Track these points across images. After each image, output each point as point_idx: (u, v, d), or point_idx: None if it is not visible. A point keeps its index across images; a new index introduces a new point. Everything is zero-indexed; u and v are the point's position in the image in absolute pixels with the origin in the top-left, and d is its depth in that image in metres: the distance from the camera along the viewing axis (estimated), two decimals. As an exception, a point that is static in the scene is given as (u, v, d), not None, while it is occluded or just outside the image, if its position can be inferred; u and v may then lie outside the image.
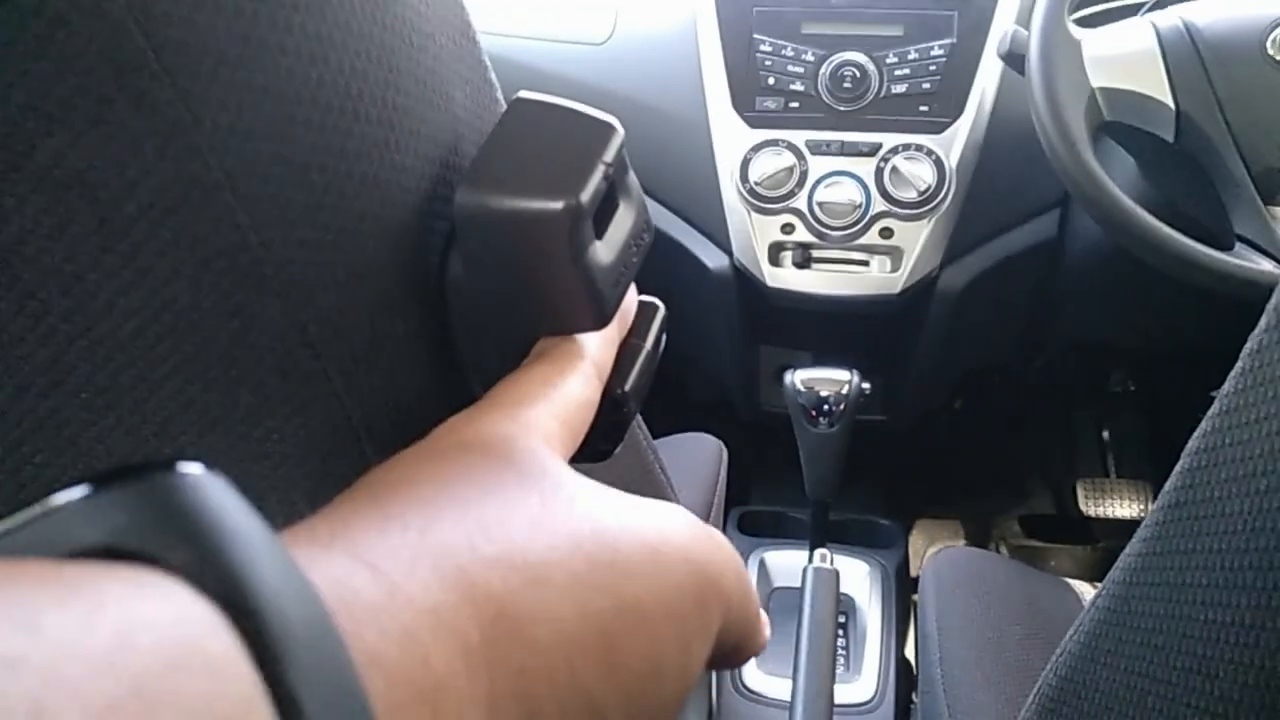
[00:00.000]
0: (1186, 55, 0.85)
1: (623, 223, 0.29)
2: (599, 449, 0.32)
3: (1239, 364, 0.29)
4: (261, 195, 0.21)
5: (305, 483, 0.26)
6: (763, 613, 0.26)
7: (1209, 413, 0.31)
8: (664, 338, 0.34)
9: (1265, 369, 0.28)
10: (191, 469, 0.14)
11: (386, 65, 0.24)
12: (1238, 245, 0.84)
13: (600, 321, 0.28)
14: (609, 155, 0.27)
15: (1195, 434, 0.32)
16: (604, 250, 0.27)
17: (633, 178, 0.30)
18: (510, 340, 0.29)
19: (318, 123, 0.22)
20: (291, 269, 0.22)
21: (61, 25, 0.17)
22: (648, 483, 0.51)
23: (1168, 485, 0.33)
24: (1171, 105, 0.86)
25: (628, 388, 0.31)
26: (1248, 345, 0.29)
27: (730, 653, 0.25)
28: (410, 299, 0.27)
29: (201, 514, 0.13)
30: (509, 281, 0.27)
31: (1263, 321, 0.28)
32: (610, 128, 0.28)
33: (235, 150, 0.20)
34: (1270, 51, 0.84)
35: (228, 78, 0.20)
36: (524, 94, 0.28)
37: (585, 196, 0.25)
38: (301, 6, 0.21)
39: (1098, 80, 0.86)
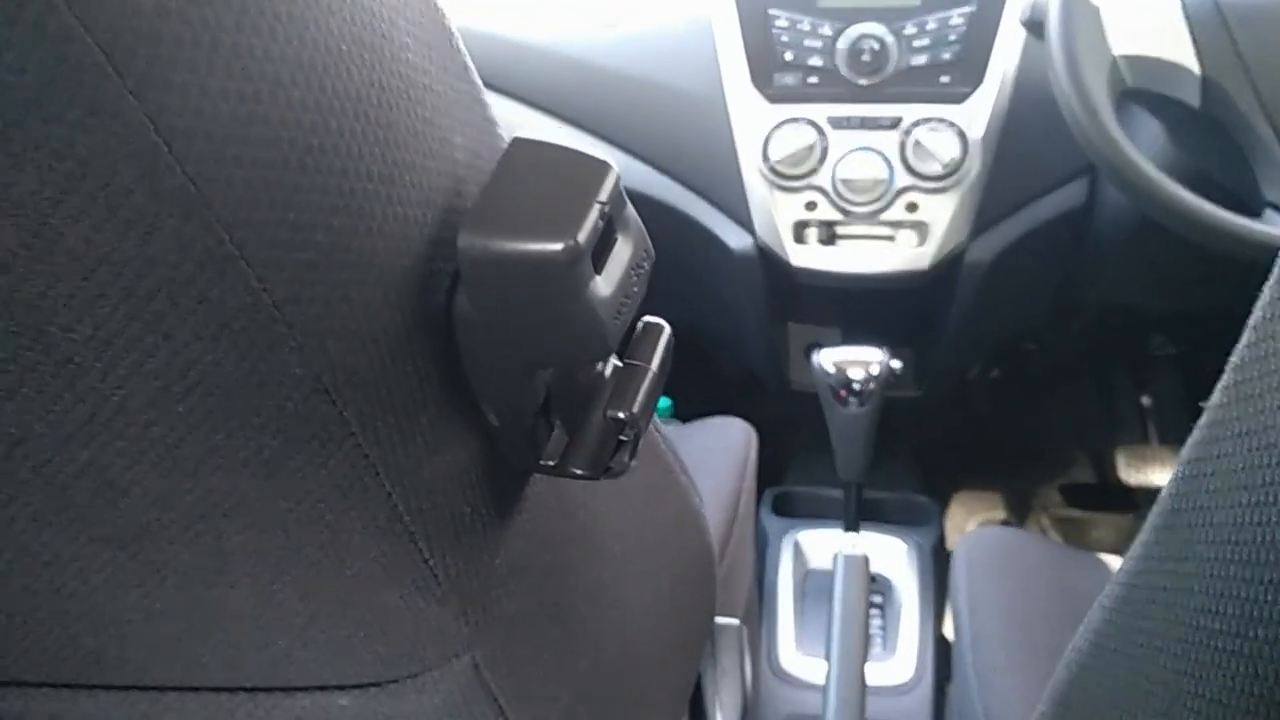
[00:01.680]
0: (1211, 19, 0.84)
1: (621, 255, 0.29)
2: (611, 469, 0.33)
3: (1224, 377, 0.30)
4: (272, 259, 0.23)
5: (328, 515, 0.28)
6: None
7: (1199, 423, 0.31)
8: (670, 357, 0.35)
9: (1248, 384, 0.28)
10: None
11: (385, 123, 0.25)
12: (1267, 211, 0.83)
13: (604, 352, 0.29)
14: (604, 194, 0.28)
15: (1187, 443, 0.32)
16: (604, 284, 0.28)
17: (630, 210, 0.31)
18: (520, 373, 0.31)
19: (320, 186, 0.23)
20: (305, 322, 0.24)
21: (83, 130, 0.19)
22: (668, 485, 0.52)
23: (1164, 491, 0.33)
24: (1197, 70, 0.84)
25: (635, 409, 0.32)
26: (1232, 359, 0.29)
27: None
28: (420, 340, 0.28)
29: None
30: (514, 318, 0.28)
31: (1245, 336, 0.29)
32: (605, 166, 0.29)
33: (244, 221, 0.22)
34: (1298, 11, 0.82)
35: (233, 156, 0.21)
36: (520, 136, 0.29)
37: (582, 236, 0.26)
38: (300, 82, 0.22)
39: (1119, 47, 0.85)
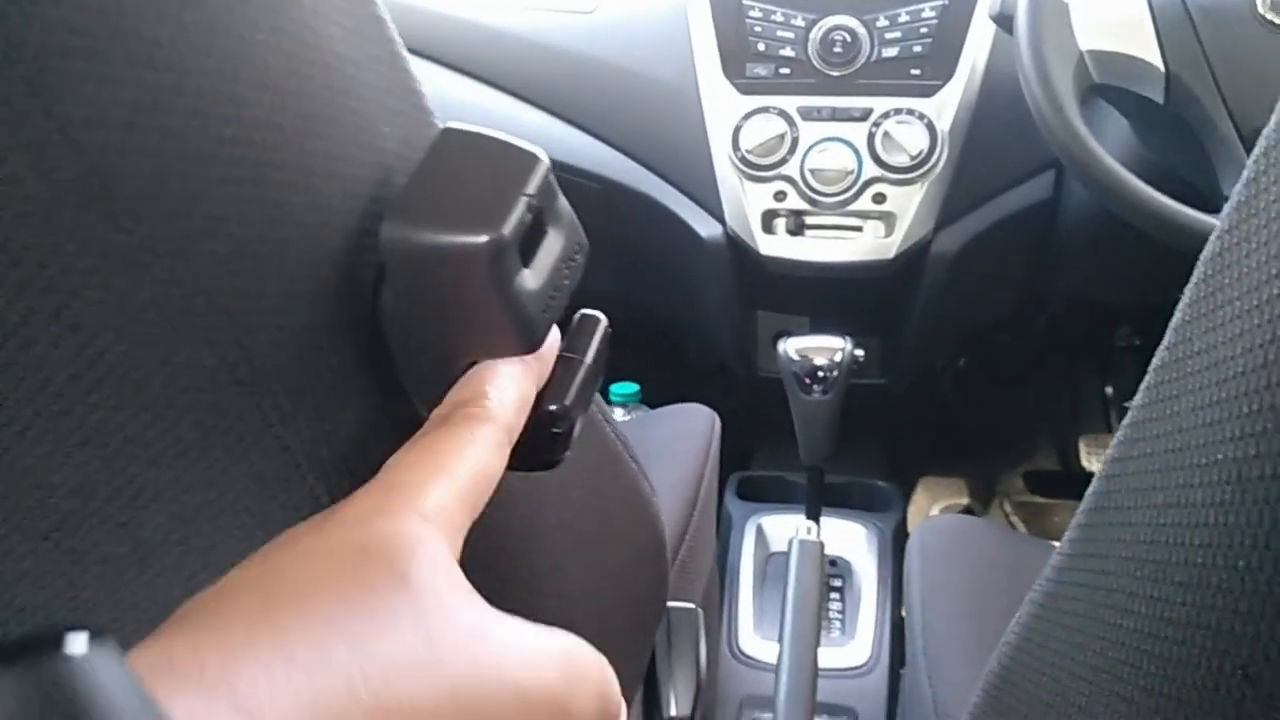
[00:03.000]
0: (1176, 16, 0.84)
1: (551, 248, 0.29)
2: (544, 460, 0.33)
3: (1147, 377, 0.30)
4: (181, 251, 0.22)
5: (254, 506, 0.28)
6: None
7: (1123, 422, 0.32)
8: (606, 350, 0.34)
9: (1166, 385, 0.29)
10: (76, 646, 0.15)
11: (304, 113, 0.25)
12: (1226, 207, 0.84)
13: (530, 345, 0.29)
14: (531, 186, 0.28)
15: (1113, 442, 0.32)
16: (531, 277, 0.28)
17: (563, 202, 0.30)
18: (447, 365, 0.31)
19: (234, 177, 0.23)
20: (218, 315, 0.24)
21: None
22: (615, 474, 0.52)
23: (1090, 489, 0.34)
24: (1161, 67, 0.85)
25: (568, 401, 0.32)
26: (1154, 361, 0.30)
27: None
28: (342, 331, 0.28)
29: (86, 701, 0.14)
30: (439, 311, 0.28)
31: (1165, 338, 0.29)
32: (533, 158, 0.28)
33: (149, 212, 0.21)
34: (1261, 11, 0.83)
35: (136, 147, 0.21)
36: (452, 124, 0.29)
37: (507, 230, 0.26)
38: (210, 71, 0.22)
39: (1086, 43, 0.85)
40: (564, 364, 0.32)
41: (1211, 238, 0.27)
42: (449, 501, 0.25)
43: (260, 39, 0.23)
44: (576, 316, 0.34)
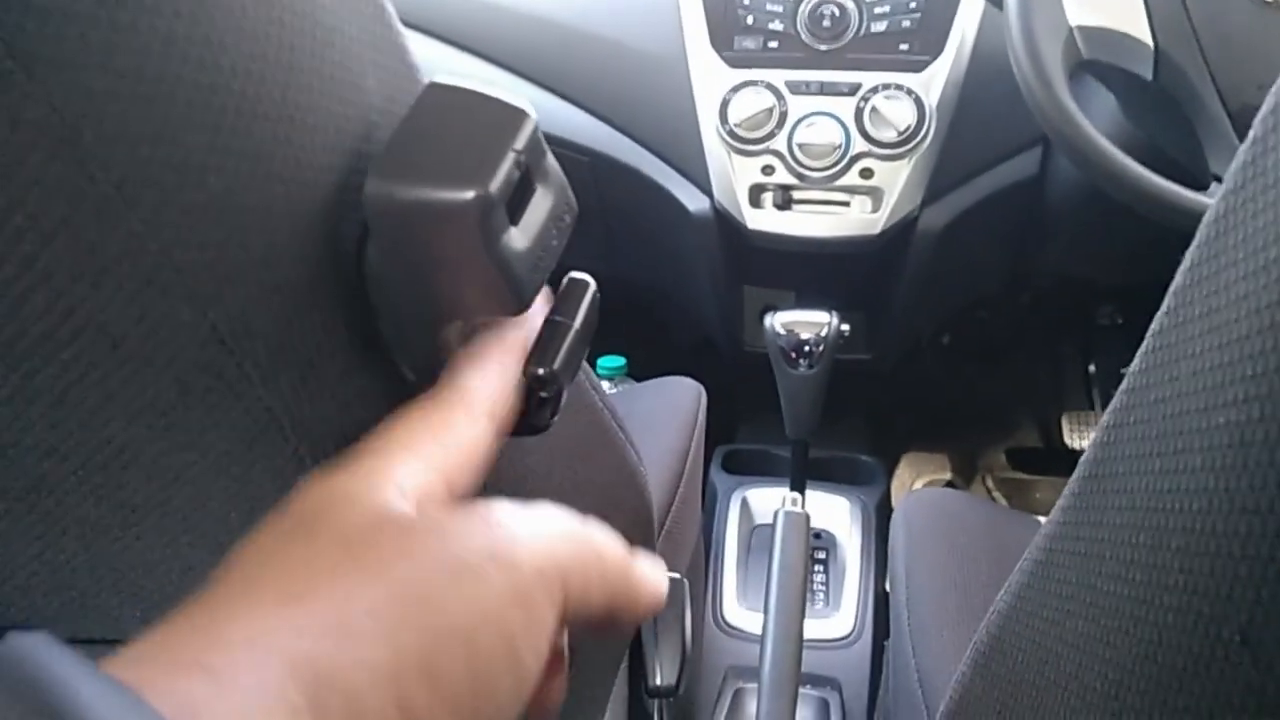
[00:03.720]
0: (1166, -9, 0.84)
1: (540, 207, 0.29)
2: (533, 425, 0.32)
3: (1145, 342, 0.30)
4: (155, 201, 0.22)
5: (234, 468, 0.27)
6: (650, 576, 0.28)
7: (1120, 388, 0.32)
8: (595, 314, 0.34)
9: (1164, 350, 0.28)
10: (18, 646, 0.15)
11: (285, 64, 0.24)
12: (1214, 185, 0.84)
13: (520, 306, 0.29)
14: (520, 142, 0.27)
15: (1108, 408, 0.32)
16: (519, 236, 0.27)
17: (551, 161, 0.30)
18: (433, 325, 0.30)
19: (211, 125, 0.22)
20: (196, 269, 0.23)
21: None
22: (603, 443, 0.52)
23: (1084, 456, 0.34)
24: (1150, 43, 0.85)
25: (555, 366, 0.31)
26: (1152, 326, 0.30)
27: (609, 625, 0.26)
28: (325, 289, 0.27)
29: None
30: (424, 270, 0.27)
31: (1165, 303, 0.29)
32: (522, 114, 0.28)
33: (121, 160, 0.21)
34: (1252, -14, 0.82)
35: (105, 90, 0.20)
36: (439, 79, 0.28)
37: (494, 186, 0.25)
38: (185, 14, 0.21)
39: (1076, 18, 0.85)
40: (552, 328, 0.32)
41: (1215, 199, 0.26)
42: (424, 476, 0.25)
43: None
44: (565, 280, 0.33)
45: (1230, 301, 0.24)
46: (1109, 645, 0.30)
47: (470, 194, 0.25)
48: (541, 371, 0.31)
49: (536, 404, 0.32)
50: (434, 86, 0.28)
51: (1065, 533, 0.34)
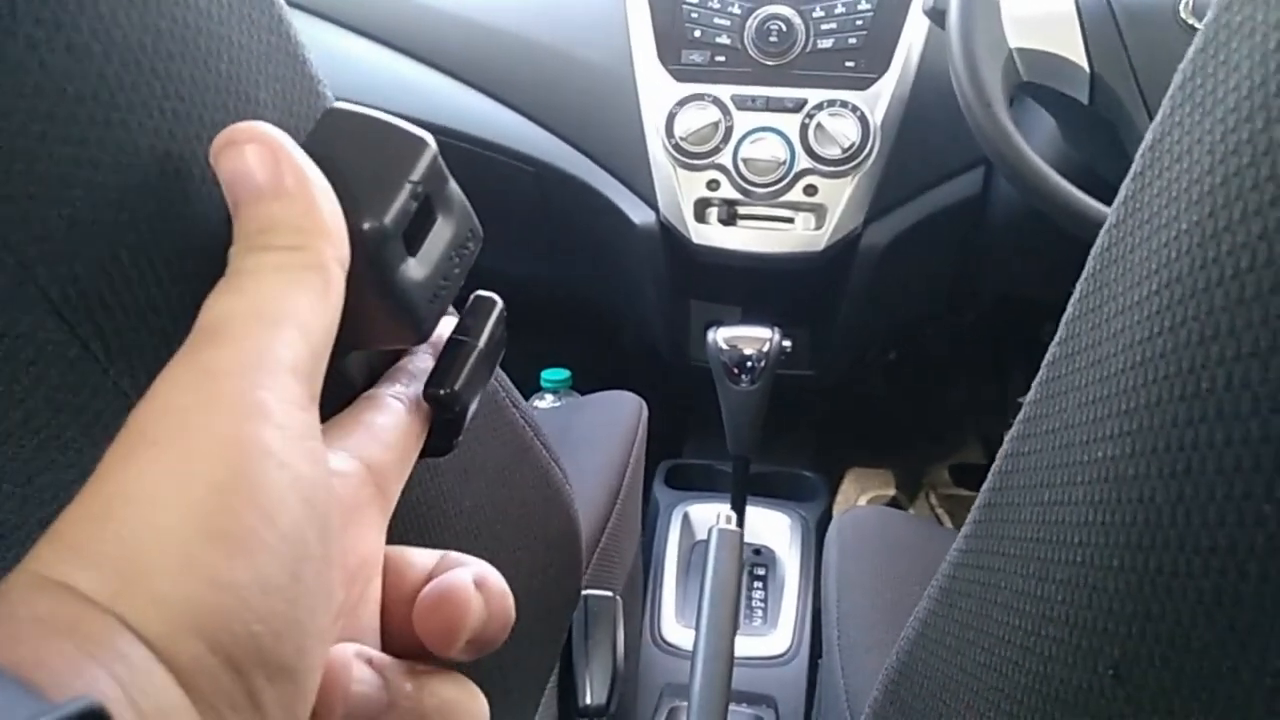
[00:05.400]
0: (1102, 18, 0.85)
1: (440, 237, 0.28)
2: (435, 446, 0.32)
3: (1040, 372, 0.30)
4: (15, 217, 0.21)
5: (93, 451, 0.26)
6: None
7: (1018, 417, 0.32)
8: (503, 332, 0.33)
9: (1056, 381, 0.28)
10: None
11: (161, 73, 0.24)
12: (1145, 209, 0.85)
13: (419, 337, 0.28)
14: (417, 174, 0.27)
15: (1007, 437, 0.32)
16: (417, 267, 0.27)
17: (453, 188, 0.29)
18: (333, 356, 0.29)
19: (78, 137, 0.22)
20: (63, 286, 0.22)
21: None
22: (525, 462, 0.51)
23: (985, 485, 0.34)
24: (1086, 68, 0.86)
25: (456, 386, 0.31)
26: (1046, 356, 0.30)
27: None
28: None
29: None
30: None
31: (1059, 332, 0.29)
32: (421, 143, 0.27)
33: None
34: (1183, 15, 0.84)
35: None
36: (338, 105, 0.28)
37: (389, 219, 0.25)
38: (48, 21, 0.21)
39: (1015, 40, 0.86)
40: (454, 348, 0.31)
41: (1100, 232, 0.26)
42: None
43: None
44: (471, 298, 0.33)
45: (1109, 335, 0.24)
46: (1002, 676, 0.30)
47: (364, 225, 0.25)
48: (442, 392, 0.30)
49: (439, 425, 0.31)
50: (333, 112, 0.27)
51: (967, 560, 0.34)
